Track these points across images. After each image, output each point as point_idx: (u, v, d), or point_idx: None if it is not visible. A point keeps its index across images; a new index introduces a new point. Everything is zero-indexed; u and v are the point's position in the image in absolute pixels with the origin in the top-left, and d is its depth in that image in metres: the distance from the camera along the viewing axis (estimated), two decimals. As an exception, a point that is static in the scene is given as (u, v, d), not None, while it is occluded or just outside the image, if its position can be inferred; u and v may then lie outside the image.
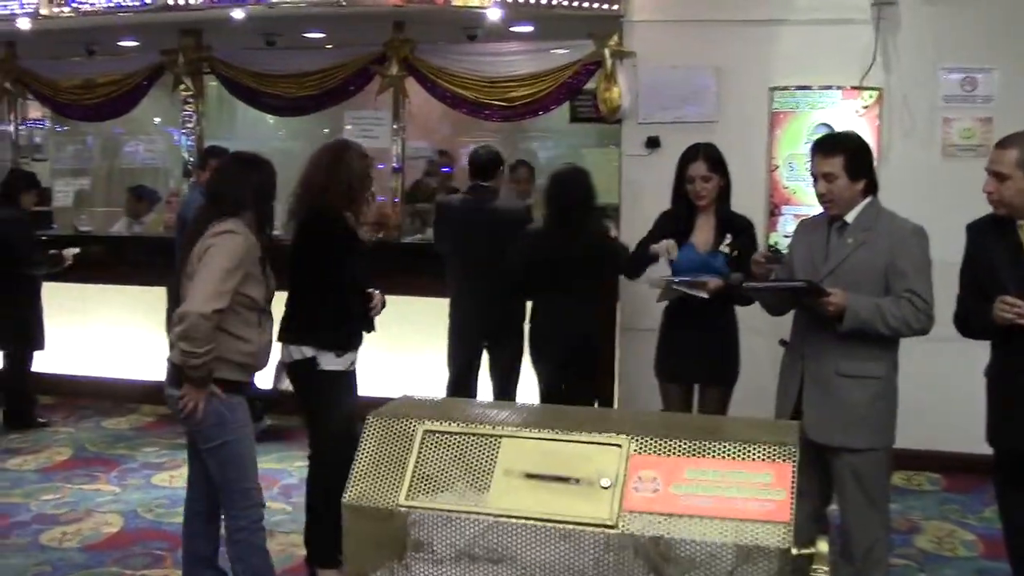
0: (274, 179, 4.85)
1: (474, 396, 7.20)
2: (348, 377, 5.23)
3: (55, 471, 7.59)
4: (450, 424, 3.20)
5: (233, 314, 4.54)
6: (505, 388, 7.09)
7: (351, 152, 5.32)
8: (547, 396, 6.48)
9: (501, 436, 3.13)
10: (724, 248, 5.69)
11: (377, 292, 5.26)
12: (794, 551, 2.78)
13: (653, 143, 7.67)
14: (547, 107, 8.65)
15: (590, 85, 8.36)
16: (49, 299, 8.74)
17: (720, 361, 5.81)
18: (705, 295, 5.54)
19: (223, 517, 4.84)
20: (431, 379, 7.66)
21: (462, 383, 7.14)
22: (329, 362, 5.17)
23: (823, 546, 2.86)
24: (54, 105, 10.41)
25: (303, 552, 5.62)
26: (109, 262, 9.16)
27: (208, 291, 4.40)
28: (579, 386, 6.36)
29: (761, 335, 5.83)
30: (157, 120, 12.18)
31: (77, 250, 8.59)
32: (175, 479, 7.29)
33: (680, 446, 3.01)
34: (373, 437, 3.20)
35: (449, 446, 3.15)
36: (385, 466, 3.14)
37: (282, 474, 7.44)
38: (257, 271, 4.62)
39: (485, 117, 8.92)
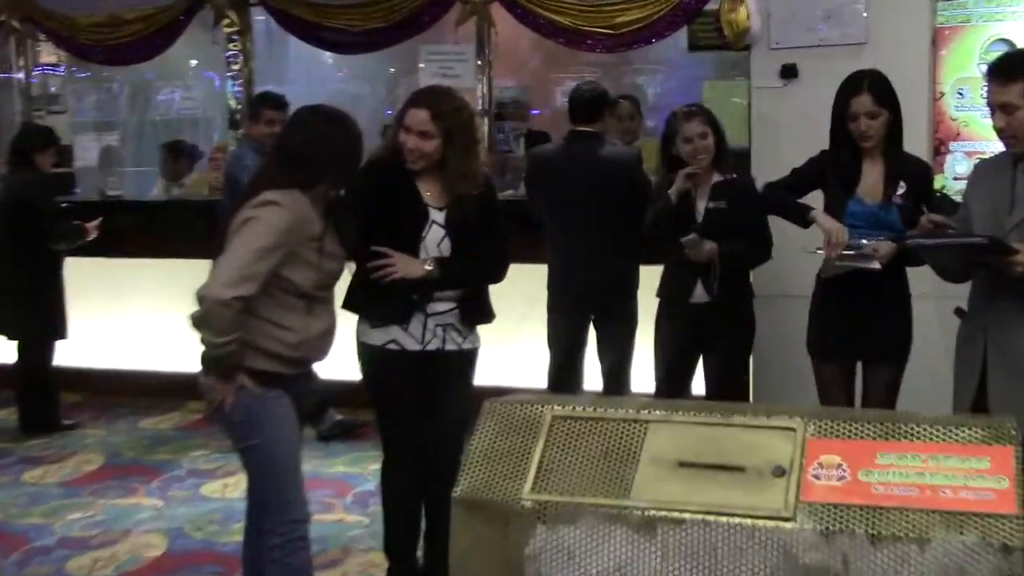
0: (361, 146, 4.85)
1: (580, 383, 7.20)
2: (387, 357, 5.23)
3: (83, 483, 7.58)
4: (585, 408, 3.21)
5: (268, 298, 4.54)
6: (617, 373, 7.10)
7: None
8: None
9: (647, 421, 3.13)
10: (897, 199, 5.56)
11: (397, 255, 5.14)
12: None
13: (789, 72, 7.47)
14: (660, 34, 8.51)
15: (711, 6, 8.21)
16: (72, 278, 8.73)
17: (889, 332, 5.69)
18: (877, 266, 5.41)
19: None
20: (530, 363, 7.61)
21: (566, 368, 7.13)
22: (363, 332, 5.31)
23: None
24: (72, 47, 10.43)
25: (383, 573, 5.60)
26: (143, 232, 9.24)
27: (232, 274, 4.39)
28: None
29: (929, 300, 5.73)
30: (194, 63, 12.28)
31: (100, 219, 8.52)
32: (229, 488, 7.30)
33: (867, 429, 2.96)
34: (491, 424, 3.24)
35: (584, 434, 3.17)
36: (505, 456, 3.18)
37: (357, 479, 7.41)
38: (309, 253, 4.60)
39: (587, 48, 8.84)
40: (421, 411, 5.31)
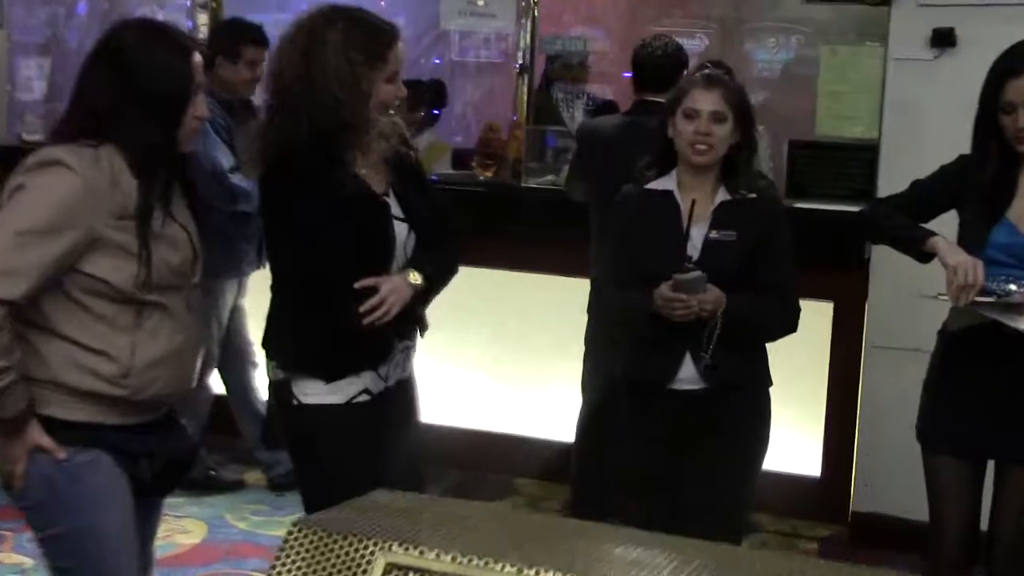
0: (187, 76, 4.02)
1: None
2: (354, 415, 4.65)
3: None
4: (437, 555, 2.82)
5: (71, 307, 3.89)
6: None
7: (331, 31, 4.50)
8: None
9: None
10: None
11: (384, 286, 4.54)
12: None
13: (943, 39, 6.93)
14: None
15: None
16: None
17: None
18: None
19: None
20: (560, 409, 7.38)
21: (602, 418, 6.65)
22: (309, 392, 4.62)
23: None
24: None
25: None
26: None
27: None
28: None
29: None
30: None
31: None
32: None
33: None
34: (296, 562, 2.91)
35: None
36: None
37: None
38: (122, 237, 3.88)
39: None
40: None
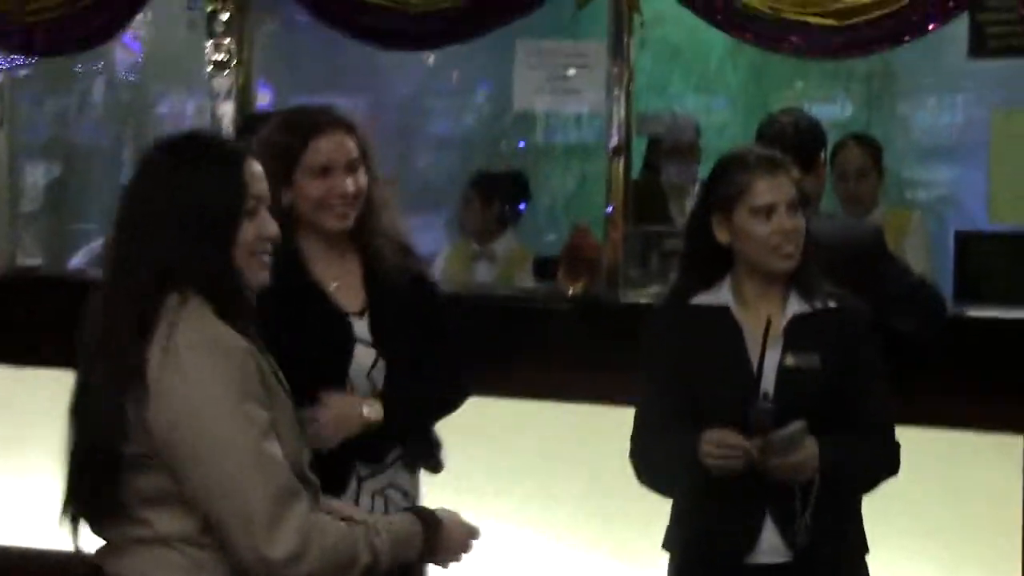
0: (238, 185, 3.65)
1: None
2: None
3: None
4: None
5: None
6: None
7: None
8: None
9: None
10: None
11: (325, 412, 4.61)
12: None
13: None
14: (916, 28, 7.49)
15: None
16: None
17: None
18: None
19: None
20: None
21: None
22: None
23: None
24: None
25: None
26: (67, 327, 8.21)
27: (256, 511, 3.30)
28: None
29: None
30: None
31: None
32: None
33: None
34: None
35: None
36: None
37: None
38: (273, 405, 3.53)
39: (789, 48, 7.84)
40: None
